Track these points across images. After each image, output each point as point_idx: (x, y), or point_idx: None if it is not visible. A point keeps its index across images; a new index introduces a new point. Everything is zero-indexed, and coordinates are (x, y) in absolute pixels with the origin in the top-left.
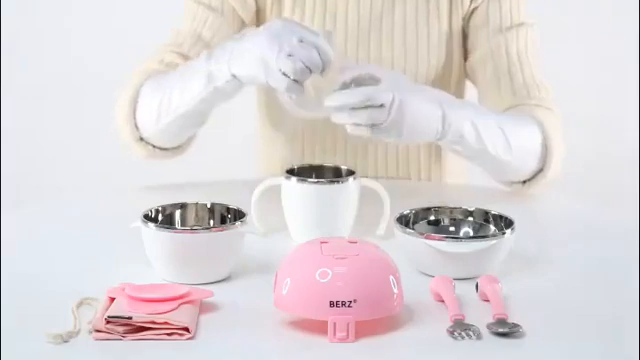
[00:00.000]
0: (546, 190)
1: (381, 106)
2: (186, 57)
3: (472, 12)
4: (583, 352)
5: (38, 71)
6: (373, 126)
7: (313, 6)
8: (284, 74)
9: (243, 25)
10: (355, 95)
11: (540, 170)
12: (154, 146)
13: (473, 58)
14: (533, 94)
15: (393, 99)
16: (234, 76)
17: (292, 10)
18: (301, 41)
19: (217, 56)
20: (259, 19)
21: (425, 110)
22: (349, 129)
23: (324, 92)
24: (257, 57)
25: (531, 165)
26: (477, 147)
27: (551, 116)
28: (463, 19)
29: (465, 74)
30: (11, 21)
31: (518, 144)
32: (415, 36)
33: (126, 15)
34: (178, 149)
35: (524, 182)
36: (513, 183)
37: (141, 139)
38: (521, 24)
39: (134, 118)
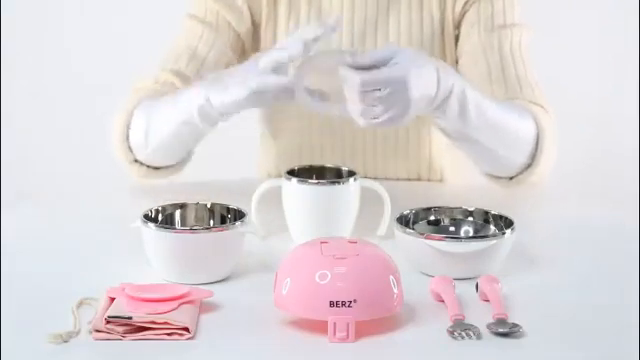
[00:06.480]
0: (532, 188)
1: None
2: (182, 74)
3: (463, 15)
4: (583, 352)
5: (38, 71)
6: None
7: (307, 16)
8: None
9: (239, 39)
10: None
11: (528, 166)
12: (148, 167)
13: (464, 57)
14: (526, 91)
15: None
16: (207, 99)
17: (287, 20)
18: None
19: (194, 86)
20: (255, 33)
21: (423, 99)
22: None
23: (330, 92)
24: (240, 77)
25: (520, 158)
26: (464, 121)
27: (546, 115)
28: (454, 25)
29: None
30: (11, 21)
31: (509, 130)
32: (409, 41)
33: (126, 17)
34: (171, 169)
35: (511, 178)
36: (500, 178)
37: (135, 161)
38: (515, 25)
39: (127, 141)
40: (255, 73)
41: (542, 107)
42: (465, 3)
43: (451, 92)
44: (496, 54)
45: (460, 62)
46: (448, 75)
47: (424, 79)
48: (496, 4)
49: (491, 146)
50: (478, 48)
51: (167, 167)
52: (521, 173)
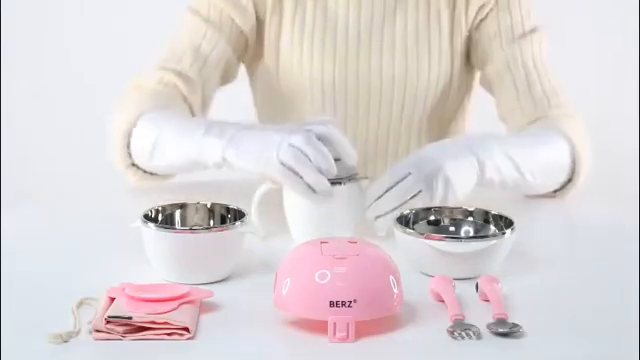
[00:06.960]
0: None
1: (420, 192)
2: (185, 76)
3: (480, 22)
4: (583, 352)
5: (38, 71)
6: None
7: (313, 15)
8: (282, 163)
9: (241, 36)
10: (392, 199)
11: (569, 180)
12: (144, 171)
13: (489, 70)
14: (553, 102)
15: (432, 174)
16: (225, 159)
17: (293, 19)
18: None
19: (214, 136)
20: (259, 30)
21: (461, 164)
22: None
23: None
24: (257, 146)
25: (562, 179)
26: (514, 178)
27: (575, 123)
28: (469, 29)
29: (468, 83)
30: (11, 21)
31: (550, 165)
32: (416, 43)
33: (126, 17)
34: (167, 175)
35: (555, 191)
36: (544, 195)
37: (132, 164)
38: (533, 30)
39: (128, 148)
40: (277, 152)
41: (570, 115)
42: (480, 7)
43: (492, 178)
44: (521, 69)
45: (485, 71)
46: (483, 149)
47: (462, 172)
48: (514, 12)
49: (533, 184)
50: (503, 62)
51: (164, 175)
52: (564, 187)
